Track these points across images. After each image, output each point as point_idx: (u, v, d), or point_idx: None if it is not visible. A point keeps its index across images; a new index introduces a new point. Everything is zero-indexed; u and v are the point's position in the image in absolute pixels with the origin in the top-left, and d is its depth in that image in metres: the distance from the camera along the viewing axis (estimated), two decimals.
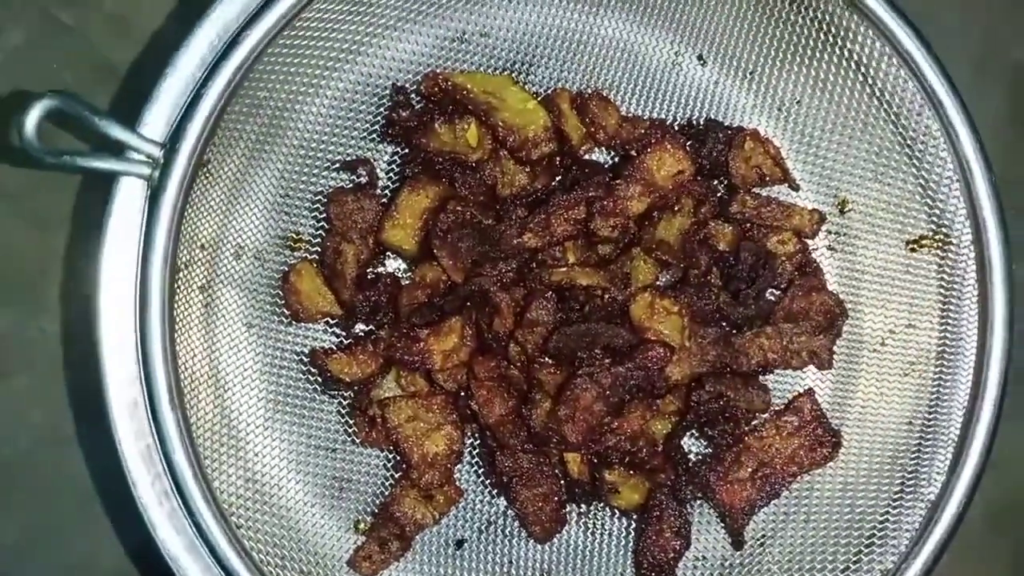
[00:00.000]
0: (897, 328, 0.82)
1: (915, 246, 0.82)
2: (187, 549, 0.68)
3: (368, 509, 0.81)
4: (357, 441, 0.81)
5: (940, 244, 0.80)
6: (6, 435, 0.88)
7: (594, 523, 0.83)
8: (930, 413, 0.79)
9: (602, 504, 0.82)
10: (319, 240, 0.81)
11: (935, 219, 0.80)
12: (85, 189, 0.91)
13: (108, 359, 0.67)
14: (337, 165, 0.81)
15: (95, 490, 0.89)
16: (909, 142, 0.79)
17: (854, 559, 0.78)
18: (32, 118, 0.63)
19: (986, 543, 0.95)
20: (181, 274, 0.70)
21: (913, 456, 0.79)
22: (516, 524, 0.82)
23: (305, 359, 0.81)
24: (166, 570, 0.83)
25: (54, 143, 0.65)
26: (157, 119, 0.68)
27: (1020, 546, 0.95)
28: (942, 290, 0.80)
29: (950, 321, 0.79)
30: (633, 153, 0.82)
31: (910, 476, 0.79)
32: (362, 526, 0.80)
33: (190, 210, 0.70)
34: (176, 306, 0.70)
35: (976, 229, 0.76)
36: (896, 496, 0.79)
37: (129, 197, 0.68)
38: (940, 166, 0.78)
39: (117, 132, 0.65)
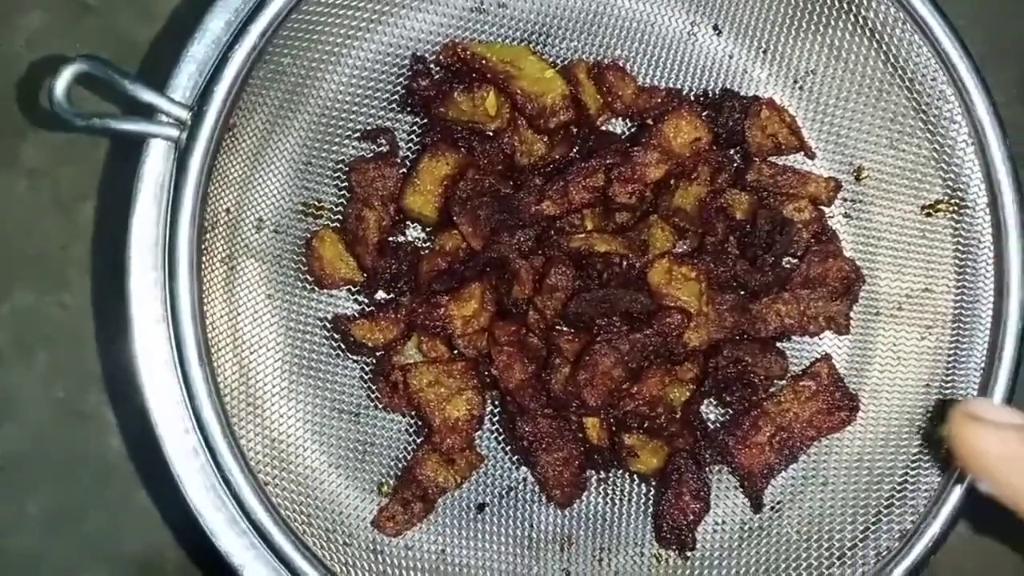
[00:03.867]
0: (914, 292, 0.83)
1: (930, 211, 0.82)
2: (215, 505, 0.69)
3: (391, 472, 0.82)
4: (380, 406, 0.81)
5: (955, 208, 0.80)
6: (29, 410, 0.90)
7: (614, 489, 0.84)
8: (947, 375, 0.80)
9: (621, 470, 0.83)
10: (341, 208, 0.82)
11: (950, 183, 0.80)
12: (108, 164, 0.92)
13: (137, 318, 0.68)
14: (358, 134, 0.82)
15: (117, 465, 0.90)
16: (924, 107, 0.79)
17: (873, 520, 0.78)
18: (63, 81, 0.65)
19: (999, 516, 0.95)
20: (207, 237, 0.71)
21: (931, 418, 0.79)
22: (536, 490, 0.83)
23: (328, 325, 0.82)
24: (193, 536, 0.84)
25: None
26: (183, 84, 0.70)
27: None
28: (958, 254, 0.80)
29: (966, 284, 0.80)
30: (650, 122, 0.83)
31: (928, 438, 0.79)
32: (385, 488, 0.81)
33: (216, 174, 0.71)
34: (202, 273, 0.71)
35: (991, 192, 0.77)
36: (915, 458, 0.79)
37: (156, 162, 0.70)
38: (955, 130, 0.78)
39: (146, 95, 0.67)
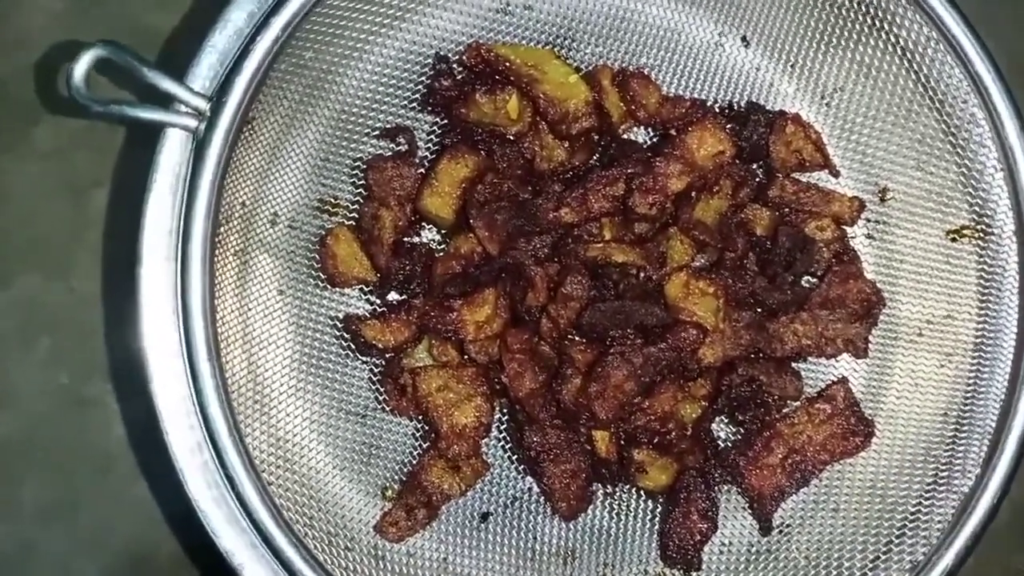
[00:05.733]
0: (935, 318, 0.82)
1: (955, 236, 0.81)
2: (216, 503, 0.68)
3: (395, 477, 0.81)
4: (387, 408, 0.80)
5: (981, 235, 0.79)
6: (30, 397, 0.89)
7: (620, 504, 0.83)
8: (966, 405, 0.79)
9: (628, 486, 0.82)
10: (357, 206, 0.81)
11: (976, 209, 0.79)
12: (122, 151, 0.91)
13: (147, 310, 0.67)
14: (377, 132, 0.81)
15: (118, 455, 0.89)
16: (953, 130, 0.79)
17: (884, 550, 0.77)
18: (82, 66, 0.64)
19: (1012, 546, 0.93)
20: (221, 230, 0.70)
21: (947, 448, 0.78)
22: (541, 502, 0.81)
23: (338, 324, 0.81)
24: (189, 531, 0.83)
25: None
26: (203, 74, 0.69)
27: None
28: (982, 281, 0.79)
29: (989, 312, 0.79)
30: (673, 133, 0.82)
31: (944, 468, 0.78)
32: (389, 493, 0.80)
33: (232, 167, 0.70)
34: (215, 266, 0.70)
35: (1019, 219, 0.76)
36: (929, 488, 0.78)
37: (173, 151, 0.69)
38: (984, 155, 0.77)
39: (166, 84, 0.66)
